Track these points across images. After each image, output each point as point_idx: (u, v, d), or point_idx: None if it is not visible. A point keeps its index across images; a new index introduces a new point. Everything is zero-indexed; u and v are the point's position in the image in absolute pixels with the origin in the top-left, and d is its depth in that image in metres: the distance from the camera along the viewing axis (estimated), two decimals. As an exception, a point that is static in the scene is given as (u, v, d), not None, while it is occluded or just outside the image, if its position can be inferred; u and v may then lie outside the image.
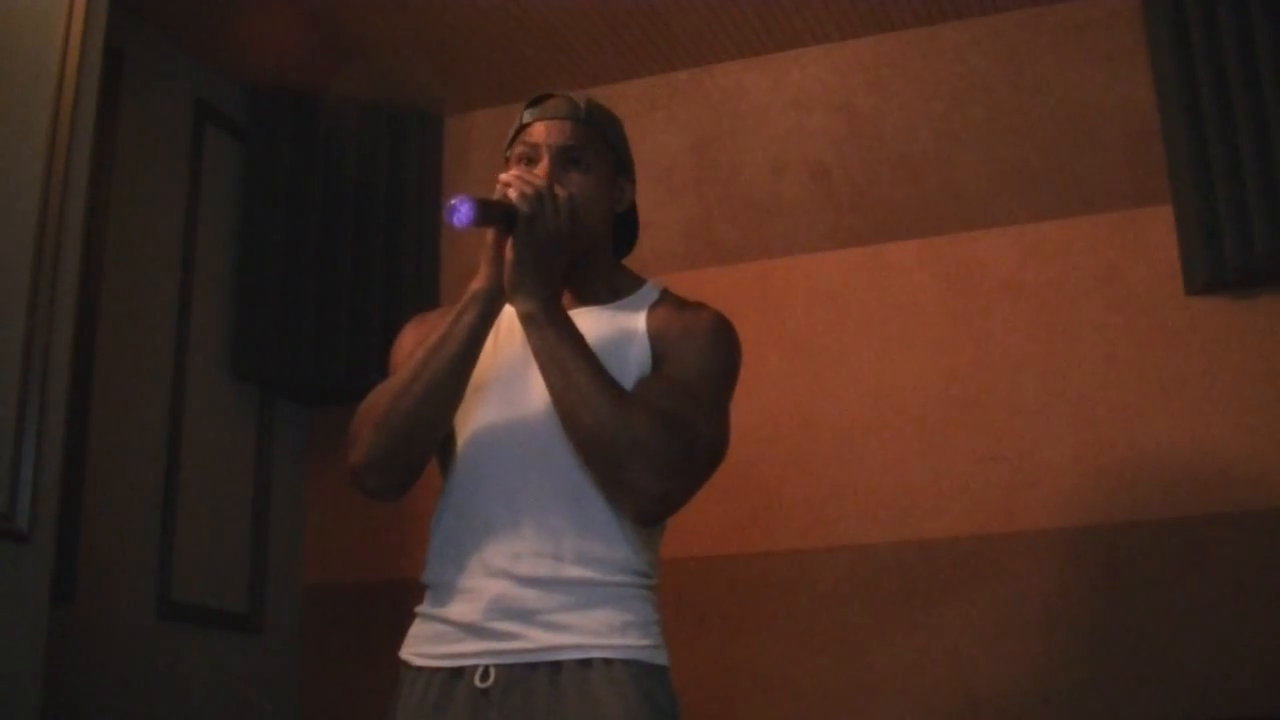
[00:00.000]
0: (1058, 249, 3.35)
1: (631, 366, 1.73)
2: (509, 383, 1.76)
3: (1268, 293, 3.15)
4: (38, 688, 2.29)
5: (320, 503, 3.84)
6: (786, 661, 3.28)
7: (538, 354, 1.67)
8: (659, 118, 3.82)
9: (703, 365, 1.74)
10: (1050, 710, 3.07)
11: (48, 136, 2.44)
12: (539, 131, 1.80)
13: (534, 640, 1.64)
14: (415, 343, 1.82)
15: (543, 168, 1.76)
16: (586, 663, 1.63)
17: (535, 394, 1.72)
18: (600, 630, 1.65)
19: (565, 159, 1.78)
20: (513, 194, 1.66)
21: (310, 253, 3.69)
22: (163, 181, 3.53)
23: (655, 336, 1.77)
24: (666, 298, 1.85)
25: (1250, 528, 3.03)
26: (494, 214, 1.65)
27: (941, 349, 3.38)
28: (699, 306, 1.83)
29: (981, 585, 3.19)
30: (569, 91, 1.87)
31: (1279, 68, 3.04)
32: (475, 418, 1.77)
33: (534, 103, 1.85)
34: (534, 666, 1.64)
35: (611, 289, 1.85)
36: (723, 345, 1.79)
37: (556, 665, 1.63)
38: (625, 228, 1.94)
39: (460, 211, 1.60)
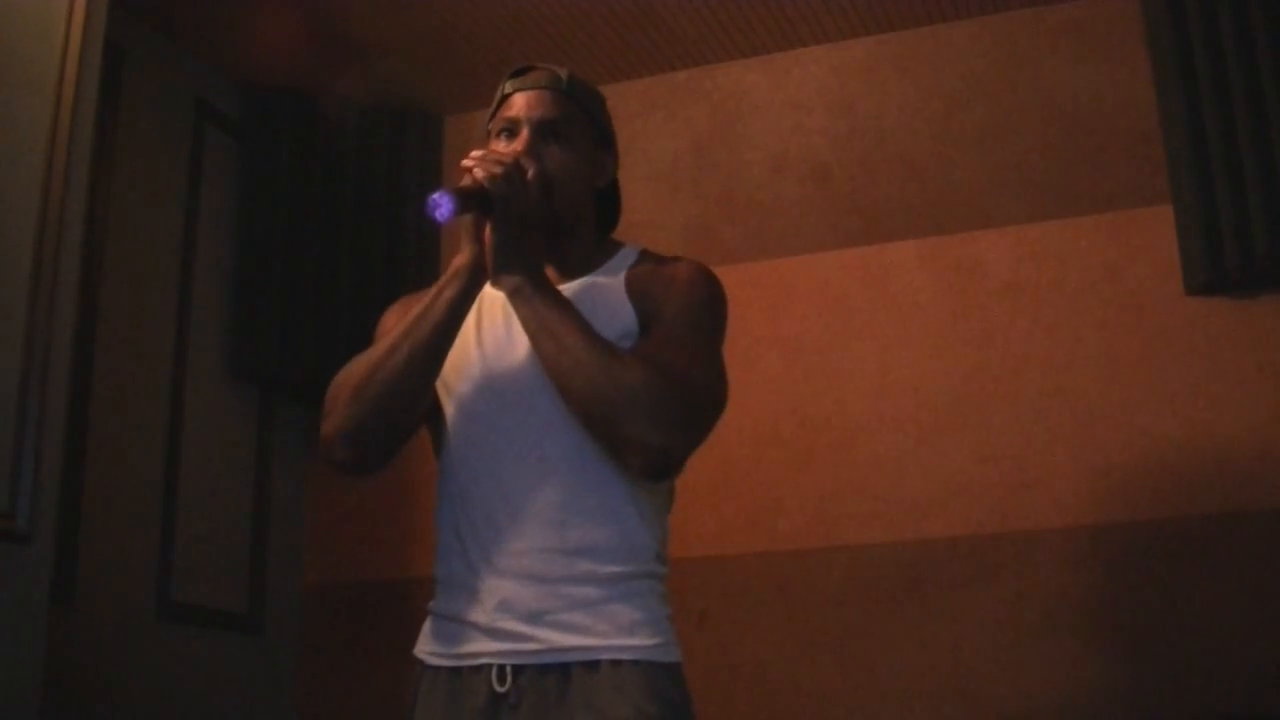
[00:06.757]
0: (1058, 249, 3.35)
1: (618, 332, 1.70)
2: (496, 369, 1.74)
3: (1268, 293, 3.15)
4: (38, 688, 2.29)
5: (320, 503, 3.83)
6: (786, 661, 3.28)
7: (527, 325, 1.65)
8: (659, 118, 3.82)
9: (690, 316, 1.72)
10: (1050, 710, 3.06)
11: (48, 136, 2.44)
12: (519, 104, 1.77)
13: (543, 641, 1.63)
14: (399, 320, 1.79)
15: (521, 141, 1.74)
16: (594, 665, 1.62)
17: (524, 379, 1.70)
18: (608, 631, 1.63)
19: (545, 132, 1.75)
20: (479, 174, 1.63)
21: (310, 252, 3.69)
22: (162, 181, 3.52)
23: (637, 296, 1.74)
24: (645, 257, 1.83)
25: (1250, 528, 3.03)
26: (472, 201, 1.63)
27: (941, 349, 3.38)
28: (676, 259, 1.82)
29: (981, 585, 3.19)
30: (552, 65, 1.83)
31: (1279, 68, 3.04)
32: (463, 405, 1.75)
33: (516, 74, 1.82)
34: (546, 669, 1.62)
35: (593, 261, 1.82)
36: (706, 292, 1.77)
37: (566, 669, 1.62)
38: (608, 203, 1.90)
39: (441, 207, 1.58)
